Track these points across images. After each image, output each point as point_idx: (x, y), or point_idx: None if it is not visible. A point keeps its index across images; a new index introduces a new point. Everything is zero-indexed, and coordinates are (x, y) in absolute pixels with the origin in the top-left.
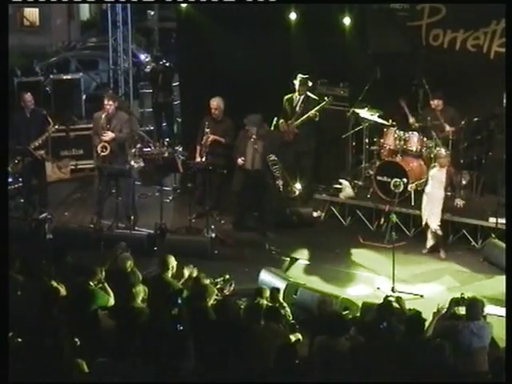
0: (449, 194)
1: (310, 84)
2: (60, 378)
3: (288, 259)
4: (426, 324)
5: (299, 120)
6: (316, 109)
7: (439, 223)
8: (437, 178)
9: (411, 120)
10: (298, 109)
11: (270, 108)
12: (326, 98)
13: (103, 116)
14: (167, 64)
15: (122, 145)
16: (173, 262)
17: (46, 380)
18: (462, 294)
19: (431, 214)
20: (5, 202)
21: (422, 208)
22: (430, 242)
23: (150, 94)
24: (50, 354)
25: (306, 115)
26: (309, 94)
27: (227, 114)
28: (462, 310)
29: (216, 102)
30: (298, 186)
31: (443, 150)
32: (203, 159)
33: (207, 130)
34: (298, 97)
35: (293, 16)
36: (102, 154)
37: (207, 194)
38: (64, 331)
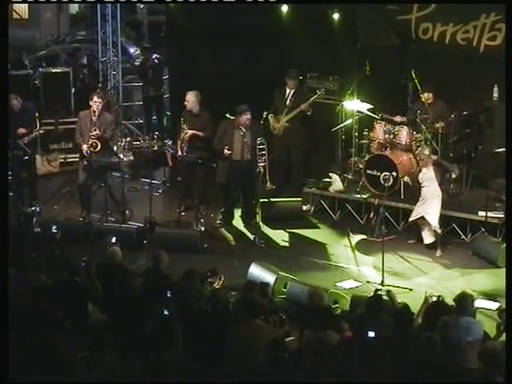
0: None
1: (300, 77)
2: (52, 371)
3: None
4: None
5: (291, 114)
6: (309, 102)
7: (438, 219)
8: (426, 177)
9: (398, 120)
10: (288, 103)
11: (259, 102)
12: (317, 91)
13: (91, 113)
14: (157, 57)
15: (106, 143)
16: (164, 256)
17: (40, 374)
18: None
19: (430, 211)
20: (4, 201)
21: (415, 207)
22: (428, 240)
23: (138, 87)
24: (41, 348)
25: (298, 109)
26: (300, 87)
27: (215, 107)
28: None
29: (191, 96)
30: (272, 185)
31: (426, 151)
32: (184, 153)
33: (184, 126)
34: (289, 91)
35: (284, 8)
36: (92, 150)
37: (193, 188)
38: (54, 325)
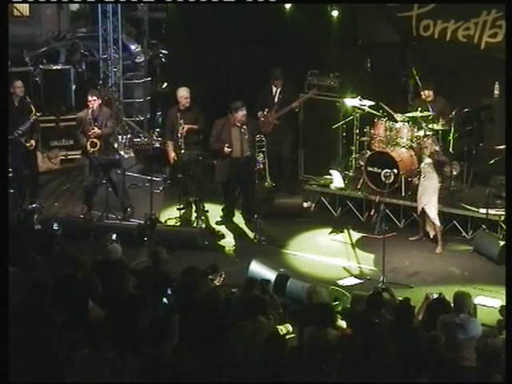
0: (439, 184)
1: (283, 75)
2: (51, 369)
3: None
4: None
5: (281, 111)
6: (300, 100)
7: (436, 212)
8: (426, 168)
9: (398, 118)
10: (276, 100)
11: (256, 99)
12: (312, 89)
13: (89, 112)
14: (165, 53)
15: (107, 139)
16: (164, 253)
17: (40, 373)
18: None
19: (428, 202)
20: (4, 202)
21: (417, 199)
22: (431, 233)
23: (139, 84)
24: (41, 345)
25: (289, 107)
26: (286, 85)
27: (214, 104)
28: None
29: (186, 92)
30: (272, 183)
31: (429, 140)
32: (182, 150)
33: (181, 121)
34: (275, 89)
35: (286, 6)
36: (93, 149)
37: (192, 185)
38: (55, 322)
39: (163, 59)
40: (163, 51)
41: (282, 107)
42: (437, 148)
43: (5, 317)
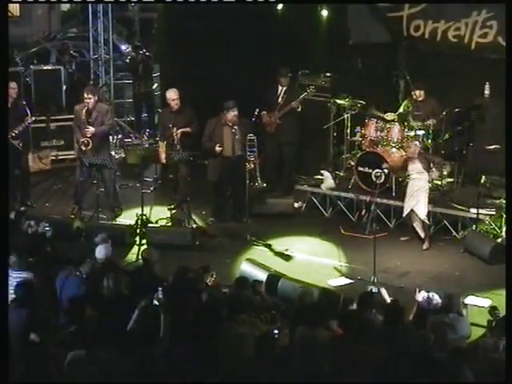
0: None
1: (290, 74)
2: (46, 371)
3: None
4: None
5: (282, 111)
6: (299, 99)
7: (427, 211)
8: (414, 168)
9: (389, 118)
10: (280, 100)
11: (249, 100)
12: (308, 89)
13: (83, 110)
14: (147, 54)
15: (105, 137)
16: (154, 254)
17: (34, 374)
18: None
19: (418, 203)
20: (4, 203)
21: (404, 200)
22: (420, 234)
23: (129, 84)
24: (35, 347)
25: (289, 106)
26: (291, 84)
27: (203, 104)
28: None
29: (174, 94)
30: (263, 183)
31: (415, 143)
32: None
33: (170, 126)
34: (281, 88)
35: (279, 6)
36: (84, 148)
37: (183, 185)
38: (48, 323)
39: (148, 59)
40: (146, 53)
41: (284, 106)
42: (417, 145)
43: (4, 317)
